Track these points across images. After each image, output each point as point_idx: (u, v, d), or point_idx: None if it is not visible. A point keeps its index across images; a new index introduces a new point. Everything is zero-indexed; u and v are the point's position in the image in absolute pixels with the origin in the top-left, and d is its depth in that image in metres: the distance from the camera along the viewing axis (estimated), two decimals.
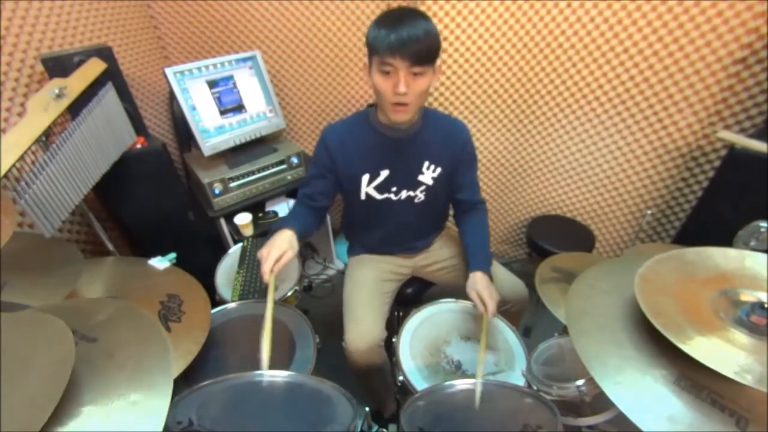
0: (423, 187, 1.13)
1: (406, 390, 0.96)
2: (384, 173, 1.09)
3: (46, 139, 1.01)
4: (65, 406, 0.55)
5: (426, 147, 1.09)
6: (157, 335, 0.68)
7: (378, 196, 1.12)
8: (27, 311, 0.73)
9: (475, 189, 1.22)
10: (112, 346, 0.66)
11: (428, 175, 1.11)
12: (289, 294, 1.26)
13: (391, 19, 0.88)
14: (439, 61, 0.94)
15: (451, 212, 1.31)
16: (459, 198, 1.21)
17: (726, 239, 1.09)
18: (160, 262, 1.14)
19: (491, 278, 1.07)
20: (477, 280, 1.05)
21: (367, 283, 1.20)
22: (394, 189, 1.12)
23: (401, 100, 0.92)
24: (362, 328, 1.08)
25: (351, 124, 1.11)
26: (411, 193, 1.13)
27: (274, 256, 0.94)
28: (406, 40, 0.85)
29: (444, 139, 1.10)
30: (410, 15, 0.88)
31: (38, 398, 0.53)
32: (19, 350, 0.61)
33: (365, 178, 1.09)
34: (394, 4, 1.65)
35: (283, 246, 0.97)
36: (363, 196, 1.12)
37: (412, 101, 0.94)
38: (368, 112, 1.09)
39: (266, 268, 0.94)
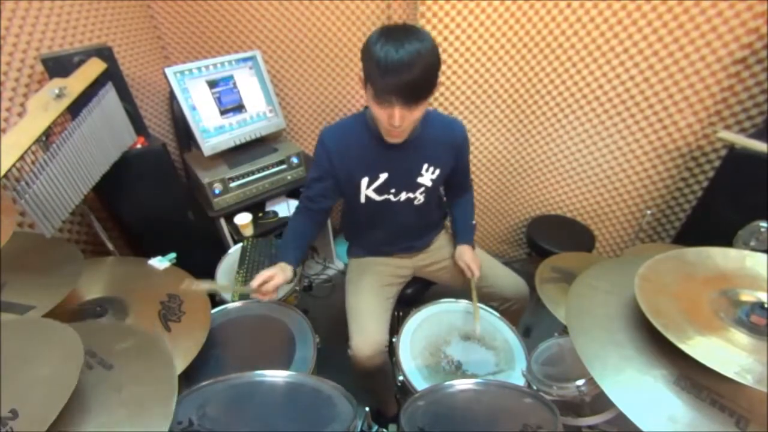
0: (422, 189, 1.13)
1: (406, 390, 0.96)
2: (383, 176, 1.08)
3: (46, 139, 1.01)
4: (64, 422, 0.56)
5: (425, 149, 1.08)
6: (167, 376, 0.68)
7: (377, 198, 1.12)
8: (40, 320, 0.75)
9: (468, 175, 1.29)
10: (123, 380, 0.66)
11: (427, 177, 1.11)
12: (289, 294, 1.26)
13: (388, 50, 0.81)
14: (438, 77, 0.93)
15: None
16: (453, 183, 1.26)
17: (726, 239, 1.08)
18: (160, 262, 1.14)
19: (473, 247, 1.26)
20: (464, 252, 1.23)
21: (370, 289, 1.20)
22: (393, 191, 1.12)
23: (396, 129, 0.94)
24: (368, 335, 1.08)
25: (349, 127, 1.10)
26: (410, 195, 1.13)
27: (263, 277, 1.00)
28: (402, 87, 0.83)
29: (443, 140, 1.10)
30: (408, 46, 0.81)
31: (42, 404, 0.54)
32: (25, 354, 0.62)
33: (364, 181, 1.09)
34: (395, 5, 1.65)
35: (273, 270, 1.03)
36: (363, 199, 1.12)
37: (407, 128, 0.96)
38: (366, 114, 1.08)
39: (253, 284, 1.00)
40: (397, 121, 0.89)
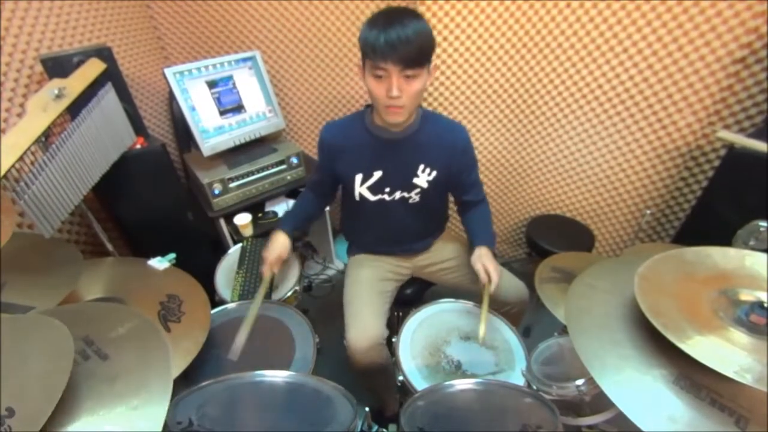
0: (417, 190, 1.13)
1: (406, 390, 0.96)
2: (377, 174, 1.09)
3: (45, 139, 1.01)
4: (58, 416, 0.56)
5: (421, 149, 1.08)
6: (163, 368, 0.67)
7: (371, 197, 1.13)
8: (29, 313, 0.74)
9: (479, 189, 1.24)
10: (118, 370, 0.66)
11: (423, 178, 1.10)
12: (289, 294, 1.26)
13: (381, 21, 0.86)
14: (434, 62, 0.94)
15: (453, 208, 1.33)
16: (464, 199, 1.23)
17: (725, 239, 1.09)
18: (159, 263, 1.14)
19: (493, 253, 1.12)
20: (482, 254, 1.09)
21: (367, 282, 1.21)
22: (387, 190, 1.12)
23: (395, 103, 0.92)
24: (363, 327, 1.08)
25: (348, 124, 1.12)
26: (405, 194, 1.13)
27: (270, 262, 1.15)
28: (396, 43, 0.84)
29: (441, 142, 1.09)
30: (401, 16, 0.86)
31: (37, 401, 0.54)
32: (16, 351, 0.61)
33: (358, 177, 1.09)
34: (394, 4, 1.65)
35: (278, 248, 1.17)
36: (357, 197, 1.13)
37: (406, 103, 0.93)
38: (365, 112, 1.09)
39: (267, 266, 1.15)
40: (395, 91, 0.89)
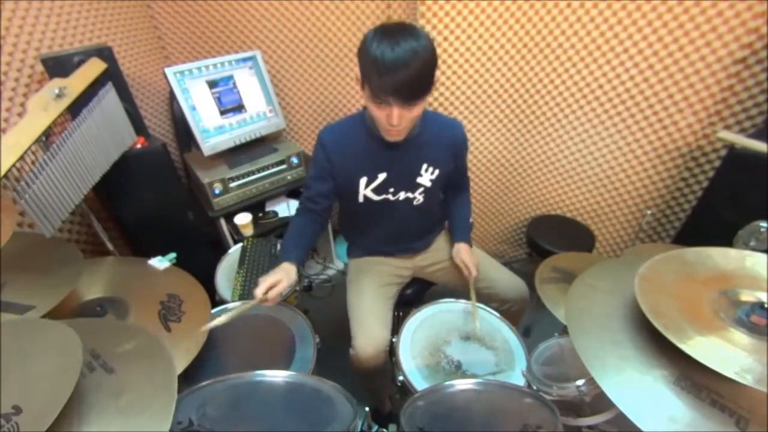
0: (421, 189, 1.13)
1: (406, 390, 0.96)
2: (382, 176, 1.08)
3: (46, 139, 1.01)
4: (64, 424, 0.56)
5: (424, 149, 1.08)
6: (167, 384, 0.67)
7: (376, 198, 1.12)
8: (39, 320, 0.74)
9: (465, 175, 1.30)
10: (123, 385, 0.66)
11: (427, 177, 1.11)
12: (289, 294, 1.26)
13: (384, 49, 0.81)
14: (436, 75, 0.92)
15: None
16: (451, 183, 1.26)
17: (726, 239, 1.08)
18: (160, 262, 1.14)
19: (470, 245, 1.26)
20: (461, 250, 1.22)
21: (370, 288, 1.21)
22: (391, 190, 1.11)
23: (395, 128, 0.94)
24: (370, 334, 1.08)
25: (348, 127, 1.10)
26: (410, 195, 1.13)
27: (267, 283, 0.97)
28: (399, 83, 0.82)
29: (442, 141, 1.10)
30: (404, 44, 0.80)
31: (44, 400, 0.55)
32: (25, 353, 0.62)
33: (363, 180, 1.09)
34: (395, 5, 1.65)
35: (278, 275, 0.99)
36: (361, 199, 1.12)
37: (406, 127, 0.96)
38: (364, 114, 1.08)
39: (258, 292, 0.96)
40: (396, 120, 0.89)
